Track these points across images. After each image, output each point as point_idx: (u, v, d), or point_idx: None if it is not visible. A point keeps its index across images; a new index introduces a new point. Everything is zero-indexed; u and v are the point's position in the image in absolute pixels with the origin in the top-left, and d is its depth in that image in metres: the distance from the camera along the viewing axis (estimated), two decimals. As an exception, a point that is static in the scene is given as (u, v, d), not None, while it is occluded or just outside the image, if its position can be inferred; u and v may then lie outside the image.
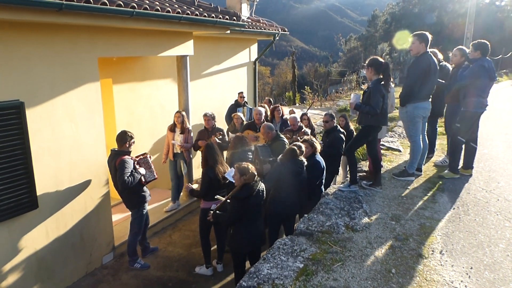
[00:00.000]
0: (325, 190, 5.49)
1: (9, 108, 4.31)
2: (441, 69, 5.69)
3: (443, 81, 5.83)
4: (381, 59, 4.81)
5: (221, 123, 8.61)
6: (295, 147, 5.00)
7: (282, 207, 4.96)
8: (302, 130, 7.11)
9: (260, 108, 7.56)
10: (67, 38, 4.92)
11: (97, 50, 5.36)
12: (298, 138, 6.51)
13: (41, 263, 4.91)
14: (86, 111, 5.30)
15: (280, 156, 5.15)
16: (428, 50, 5.11)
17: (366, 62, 4.90)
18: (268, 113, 8.24)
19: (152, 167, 5.64)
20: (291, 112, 8.26)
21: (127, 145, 5.35)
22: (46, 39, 4.68)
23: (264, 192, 4.44)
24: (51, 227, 4.98)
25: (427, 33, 5.08)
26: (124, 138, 5.34)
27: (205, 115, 7.12)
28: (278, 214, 5.04)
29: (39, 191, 4.73)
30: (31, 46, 4.52)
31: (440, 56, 6.01)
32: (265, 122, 6.66)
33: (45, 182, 4.82)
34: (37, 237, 4.83)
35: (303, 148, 5.12)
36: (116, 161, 5.21)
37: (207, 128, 7.11)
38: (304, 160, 5.05)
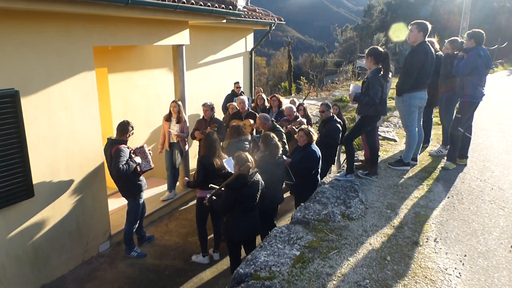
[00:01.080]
0: (321, 179, 5.53)
1: (4, 96, 4.28)
2: (437, 59, 5.70)
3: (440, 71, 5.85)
4: (381, 49, 4.80)
5: (218, 113, 8.60)
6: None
7: (269, 202, 5.02)
8: (298, 120, 7.12)
9: (243, 97, 7.62)
10: (62, 27, 4.87)
11: (92, 39, 5.31)
12: (294, 128, 6.52)
13: (38, 251, 4.92)
14: (82, 100, 5.27)
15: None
16: (426, 39, 5.11)
17: (366, 51, 4.89)
18: (267, 103, 8.26)
19: (149, 157, 5.63)
20: (292, 102, 8.25)
21: (127, 136, 5.36)
22: (41, 28, 4.64)
23: (260, 184, 4.46)
24: (47, 216, 4.98)
25: (427, 23, 5.07)
26: (126, 129, 5.35)
27: (204, 105, 7.10)
28: (265, 210, 5.08)
29: (35, 179, 4.72)
30: (25, 34, 4.48)
31: (437, 46, 6.02)
32: (261, 113, 6.67)
33: (41, 171, 4.81)
34: (33, 226, 4.83)
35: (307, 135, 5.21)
36: (112, 149, 5.21)
37: (205, 118, 7.10)
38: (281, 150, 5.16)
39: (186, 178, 5.59)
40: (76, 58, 5.12)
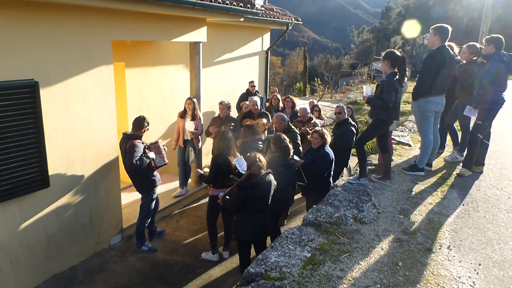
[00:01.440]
0: (333, 182, 5.50)
1: (24, 87, 4.35)
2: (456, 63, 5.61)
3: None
4: (398, 53, 4.75)
5: (232, 112, 8.61)
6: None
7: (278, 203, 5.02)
8: (312, 122, 7.09)
9: (255, 98, 7.62)
10: (82, 20, 4.93)
11: (112, 33, 5.36)
12: (308, 129, 6.50)
13: (51, 240, 4.99)
14: (99, 93, 5.33)
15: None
16: (446, 43, 5.04)
17: (383, 54, 4.84)
18: (281, 104, 8.26)
19: (163, 152, 5.66)
20: (311, 103, 8.25)
21: (142, 131, 5.40)
22: (62, 20, 4.69)
23: (272, 185, 4.45)
24: (61, 206, 5.04)
25: (445, 26, 4.99)
26: (141, 124, 5.40)
27: (221, 103, 7.11)
28: (275, 211, 5.07)
29: (51, 170, 4.79)
30: (46, 26, 4.54)
31: (456, 50, 5.93)
32: (279, 113, 6.68)
33: (57, 162, 4.87)
34: (47, 215, 4.90)
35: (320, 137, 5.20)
36: (127, 144, 5.26)
37: (221, 117, 7.12)
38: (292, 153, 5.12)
39: (199, 170, 5.59)
40: (95, 52, 5.17)
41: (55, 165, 4.85)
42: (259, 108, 7.45)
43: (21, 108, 4.35)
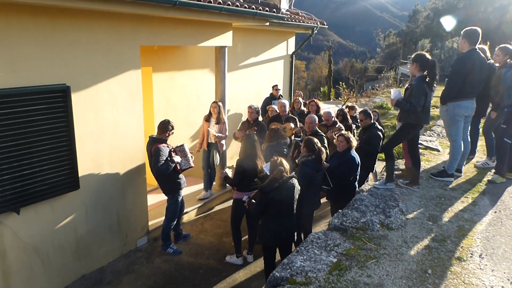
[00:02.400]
0: (359, 187, 5.42)
1: (57, 91, 4.49)
2: (489, 68, 5.45)
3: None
4: (428, 56, 4.66)
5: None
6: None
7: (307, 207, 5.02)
8: (337, 126, 7.03)
9: (284, 101, 7.60)
10: (112, 26, 5.05)
11: (140, 39, 5.47)
12: (333, 134, 6.44)
13: (80, 241, 5.11)
14: (127, 97, 5.44)
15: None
16: (477, 47, 4.91)
17: (412, 56, 4.76)
18: (304, 108, 8.25)
19: (189, 155, 5.73)
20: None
21: (167, 134, 5.48)
22: (92, 26, 4.83)
23: (295, 189, 4.43)
24: (90, 208, 5.16)
25: (474, 29, 4.87)
26: (166, 127, 5.48)
27: (250, 107, 7.15)
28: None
29: (81, 172, 4.91)
30: (77, 32, 4.67)
31: (488, 53, 5.76)
32: (310, 114, 6.67)
33: (86, 164, 4.99)
34: (77, 217, 5.02)
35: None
36: (152, 148, 5.35)
37: (250, 121, 7.14)
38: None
39: (224, 171, 5.62)
40: (124, 57, 5.29)
41: (84, 168, 4.97)
42: (287, 111, 7.42)
43: (53, 112, 4.49)
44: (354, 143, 5.49)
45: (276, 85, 9.24)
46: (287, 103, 7.60)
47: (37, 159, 4.42)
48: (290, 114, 7.60)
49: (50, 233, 4.75)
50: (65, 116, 4.61)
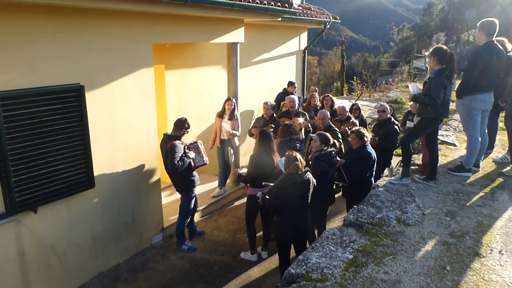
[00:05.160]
0: (374, 182, 5.36)
1: (71, 91, 4.52)
2: (508, 59, 5.32)
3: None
4: (445, 48, 4.58)
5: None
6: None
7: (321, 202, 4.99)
8: (351, 121, 6.96)
9: (293, 96, 7.55)
10: (124, 24, 5.07)
11: (152, 37, 5.48)
12: (347, 128, 6.38)
13: (96, 239, 5.16)
14: (140, 95, 5.46)
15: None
16: (494, 39, 4.80)
17: (430, 50, 4.67)
18: (319, 103, 8.20)
19: (202, 152, 5.74)
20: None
21: (182, 132, 5.49)
22: (105, 25, 4.85)
23: (311, 184, 4.39)
24: (106, 206, 5.21)
25: (491, 20, 4.76)
26: (182, 125, 5.50)
27: (265, 103, 7.14)
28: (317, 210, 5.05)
29: (96, 171, 4.95)
30: (90, 31, 4.70)
31: (509, 45, 5.62)
32: (322, 109, 6.64)
33: (101, 163, 5.03)
34: (93, 215, 5.07)
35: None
36: (168, 145, 5.36)
37: (265, 117, 7.13)
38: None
39: (238, 170, 5.61)
40: (136, 55, 5.31)
41: (99, 166, 5.01)
42: (296, 107, 7.41)
43: (68, 112, 4.53)
44: (367, 138, 5.41)
45: (294, 83, 9.13)
46: (296, 98, 7.56)
47: (53, 158, 4.46)
48: (300, 110, 7.56)
49: (67, 232, 4.81)
50: (80, 115, 4.65)
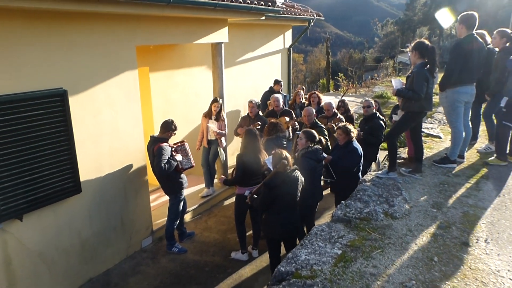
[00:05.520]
0: (361, 177, 5.40)
1: (54, 95, 4.46)
2: (488, 52, 5.41)
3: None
4: (427, 42, 4.64)
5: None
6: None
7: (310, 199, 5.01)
8: (337, 117, 7.00)
9: (277, 95, 7.57)
10: (107, 28, 5.02)
11: (135, 39, 5.44)
12: (333, 125, 6.42)
13: (85, 245, 5.11)
14: (125, 98, 5.42)
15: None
16: (474, 32, 4.87)
17: (411, 45, 4.73)
18: (305, 100, 8.24)
19: (189, 154, 5.72)
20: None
21: (169, 134, 5.46)
22: (87, 28, 4.79)
23: (299, 181, 4.41)
24: (93, 211, 5.16)
25: (470, 13, 4.84)
26: (169, 127, 5.48)
27: (250, 101, 7.14)
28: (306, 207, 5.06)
29: (82, 176, 4.90)
30: (72, 35, 4.64)
31: (488, 38, 5.71)
32: (308, 106, 6.67)
33: (87, 168, 4.98)
34: (81, 220, 5.02)
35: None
36: (155, 147, 5.33)
37: (250, 116, 7.12)
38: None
39: (223, 177, 5.63)
40: (120, 58, 5.26)
41: (86, 171, 4.96)
42: (281, 106, 7.43)
43: (52, 117, 4.47)
44: (354, 134, 5.45)
45: (280, 81, 9.16)
46: (280, 97, 7.59)
47: (38, 164, 4.40)
48: (286, 108, 7.58)
49: (54, 238, 4.75)
50: (64, 120, 4.59)
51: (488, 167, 5.30)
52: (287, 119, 6.96)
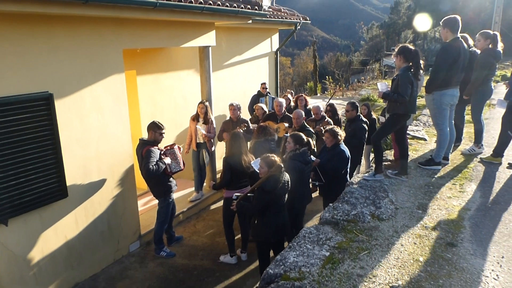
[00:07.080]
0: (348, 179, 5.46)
1: (39, 99, 4.42)
2: (470, 55, 5.53)
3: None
4: (411, 47, 4.72)
5: (244, 114, 8.60)
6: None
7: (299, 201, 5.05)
8: (326, 120, 7.06)
9: (281, 99, 7.55)
10: (93, 31, 4.99)
11: (122, 42, 5.42)
12: (321, 128, 6.47)
13: (71, 249, 5.05)
14: (112, 102, 5.39)
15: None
16: (459, 35, 4.97)
17: (396, 49, 4.80)
18: (292, 103, 8.26)
19: (179, 158, 5.68)
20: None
21: (153, 135, 5.42)
22: (73, 32, 4.76)
23: (289, 183, 4.43)
24: (80, 215, 5.11)
25: (453, 17, 4.94)
26: (153, 126, 5.45)
27: (231, 105, 7.13)
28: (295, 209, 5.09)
29: (69, 180, 4.85)
30: (59, 38, 4.61)
31: (471, 41, 5.83)
32: (297, 109, 6.69)
33: (74, 172, 4.94)
34: (67, 225, 4.97)
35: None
36: (143, 150, 5.30)
37: (232, 119, 7.12)
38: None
39: (212, 182, 5.64)
40: (107, 62, 5.24)
41: (72, 175, 4.92)
42: (283, 110, 7.36)
43: (37, 121, 4.42)
44: (341, 137, 5.50)
45: (264, 83, 9.20)
46: (283, 101, 7.53)
47: (23, 169, 4.35)
48: (287, 113, 7.51)
49: (40, 243, 4.69)
50: (50, 124, 4.55)
51: (473, 169, 5.40)
52: (286, 125, 6.96)
